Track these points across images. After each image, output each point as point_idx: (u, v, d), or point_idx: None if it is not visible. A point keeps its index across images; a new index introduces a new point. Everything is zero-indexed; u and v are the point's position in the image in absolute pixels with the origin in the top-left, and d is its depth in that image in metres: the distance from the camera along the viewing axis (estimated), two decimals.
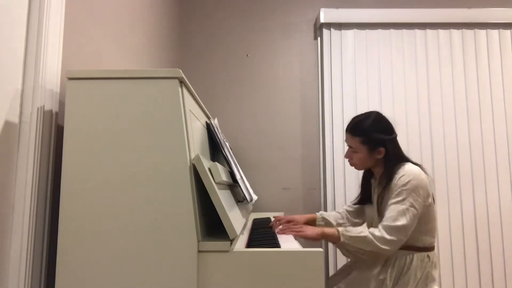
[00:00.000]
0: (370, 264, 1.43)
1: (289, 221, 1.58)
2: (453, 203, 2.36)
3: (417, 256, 1.38)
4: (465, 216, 2.35)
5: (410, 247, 1.39)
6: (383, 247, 1.26)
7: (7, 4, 0.86)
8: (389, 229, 1.28)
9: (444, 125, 2.42)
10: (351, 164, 1.55)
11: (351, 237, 1.28)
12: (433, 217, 1.41)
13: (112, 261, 0.87)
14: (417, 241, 1.38)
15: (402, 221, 1.28)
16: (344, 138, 1.57)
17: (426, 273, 1.36)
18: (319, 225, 1.69)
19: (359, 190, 1.67)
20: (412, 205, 1.30)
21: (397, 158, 1.46)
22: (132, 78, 0.94)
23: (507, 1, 2.56)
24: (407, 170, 1.37)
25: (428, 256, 1.39)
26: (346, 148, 1.57)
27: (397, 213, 1.30)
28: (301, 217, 1.68)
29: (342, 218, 1.72)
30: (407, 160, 1.47)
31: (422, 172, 1.39)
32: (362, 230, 1.29)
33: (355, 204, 1.69)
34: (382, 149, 1.44)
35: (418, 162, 1.46)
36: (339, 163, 2.36)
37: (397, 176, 1.37)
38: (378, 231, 1.28)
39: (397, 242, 1.28)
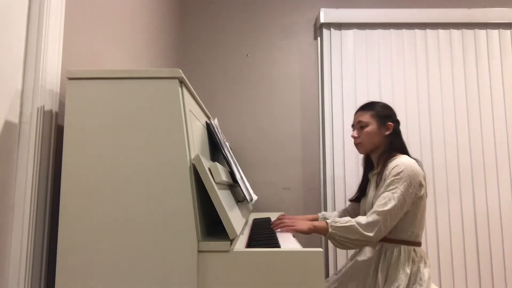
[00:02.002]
0: (365, 260, 1.45)
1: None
2: (453, 203, 2.36)
3: (403, 249, 1.40)
4: (465, 216, 2.35)
5: (397, 240, 1.41)
6: (368, 233, 1.30)
7: (7, 4, 0.86)
8: (376, 214, 1.32)
9: (444, 125, 2.42)
10: (357, 143, 1.58)
11: (337, 227, 1.32)
12: (423, 210, 1.44)
13: (112, 261, 0.87)
14: (403, 232, 1.41)
15: (388, 206, 1.32)
16: (352, 123, 1.64)
17: (417, 268, 1.37)
18: None
19: (358, 186, 1.69)
20: (402, 194, 1.34)
21: (400, 140, 1.54)
22: (132, 78, 0.94)
23: (507, 1, 2.56)
24: (401, 161, 1.41)
25: (414, 250, 1.41)
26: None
27: (386, 200, 1.34)
28: (303, 217, 1.69)
29: (343, 215, 1.74)
30: (406, 151, 1.53)
31: (416, 164, 1.43)
32: (349, 220, 1.34)
33: (352, 200, 1.71)
34: (391, 124, 1.53)
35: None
36: (339, 163, 2.36)
37: (391, 166, 1.42)
38: (365, 219, 1.33)
39: (382, 227, 1.32)
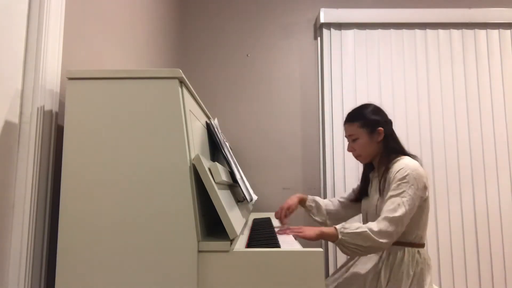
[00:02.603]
0: (366, 261, 1.45)
1: (287, 209, 1.64)
2: (453, 203, 2.36)
3: (408, 251, 1.39)
4: (465, 216, 2.35)
5: (402, 243, 1.40)
6: (381, 240, 1.26)
7: (7, 4, 0.86)
8: (388, 221, 1.29)
9: (444, 125, 2.42)
10: (356, 156, 1.56)
11: (348, 233, 1.27)
12: (427, 211, 1.43)
13: (112, 261, 0.87)
14: (408, 235, 1.40)
15: (400, 213, 1.29)
16: (344, 134, 1.61)
17: (420, 270, 1.37)
18: (309, 206, 1.72)
19: (359, 187, 1.68)
20: (411, 198, 1.32)
21: (395, 141, 1.51)
22: (132, 78, 0.94)
23: (507, 1, 2.56)
24: (406, 164, 1.39)
25: (418, 252, 1.40)
26: (347, 146, 1.59)
27: (395, 205, 1.31)
28: (294, 197, 1.70)
29: (333, 205, 1.73)
30: (404, 150, 1.51)
31: (420, 166, 1.41)
32: (360, 226, 1.29)
33: (352, 200, 1.70)
34: (381, 129, 1.49)
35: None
36: (339, 163, 2.36)
37: (395, 169, 1.40)
38: (376, 225, 1.28)
39: (395, 234, 1.29)
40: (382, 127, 1.50)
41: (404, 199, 1.31)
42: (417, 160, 1.45)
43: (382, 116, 1.54)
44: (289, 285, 0.87)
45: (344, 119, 1.59)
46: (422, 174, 1.38)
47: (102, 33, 1.30)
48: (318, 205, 1.71)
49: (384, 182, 1.43)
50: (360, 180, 1.68)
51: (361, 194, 1.64)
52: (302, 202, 1.72)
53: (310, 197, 1.74)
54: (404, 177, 1.35)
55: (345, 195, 1.76)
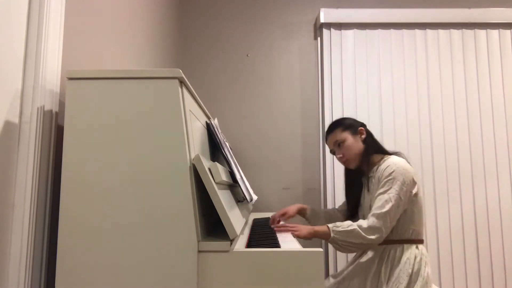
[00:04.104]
0: (366, 260, 1.46)
1: (282, 214, 1.67)
2: (453, 203, 2.36)
3: (406, 248, 1.42)
4: (465, 216, 2.35)
5: (400, 240, 1.43)
6: (371, 237, 1.32)
7: (7, 4, 0.86)
8: (376, 217, 1.34)
9: (444, 125, 2.42)
10: (345, 161, 1.59)
11: (340, 231, 1.33)
12: (420, 206, 1.46)
13: (112, 261, 0.87)
14: (404, 231, 1.43)
15: (387, 208, 1.34)
16: (329, 150, 1.68)
17: (418, 267, 1.38)
18: (309, 216, 1.76)
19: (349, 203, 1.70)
20: (397, 194, 1.36)
21: (375, 141, 1.59)
22: (132, 78, 0.94)
23: (507, 1, 2.56)
24: (392, 162, 1.44)
25: (417, 247, 1.43)
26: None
27: (383, 202, 1.36)
28: (294, 207, 1.73)
29: (333, 213, 1.78)
30: (385, 149, 1.57)
31: (407, 163, 1.46)
32: (351, 224, 1.35)
33: (348, 218, 1.70)
34: (362, 128, 1.57)
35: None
36: (339, 163, 2.35)
37: (382, 168, 1.45)
38: (366, 223, 1.34)
39: (383, 228, 1.34)
40: (362, 127, 1.58)
41: (391, 195, 1.36)
42: (402, 157, 1.50)
43: (358, 121, 1.63)
44: (289, 285, 0.87)
45: (325, 134, 1.64)
46: (409, 169, 1.42)
47: (102, 33, 1.30)
48: (317, 216, 1.75)
49: (372, 180, 1.47)
50: (346, 196, 1.70)
51: (352, 210, 1.65)
52: (302, 211, 1.76)
53: (309, 207, 1.77)
54: (390, 174, 1.40)
55: (340, 206, 1.80)
